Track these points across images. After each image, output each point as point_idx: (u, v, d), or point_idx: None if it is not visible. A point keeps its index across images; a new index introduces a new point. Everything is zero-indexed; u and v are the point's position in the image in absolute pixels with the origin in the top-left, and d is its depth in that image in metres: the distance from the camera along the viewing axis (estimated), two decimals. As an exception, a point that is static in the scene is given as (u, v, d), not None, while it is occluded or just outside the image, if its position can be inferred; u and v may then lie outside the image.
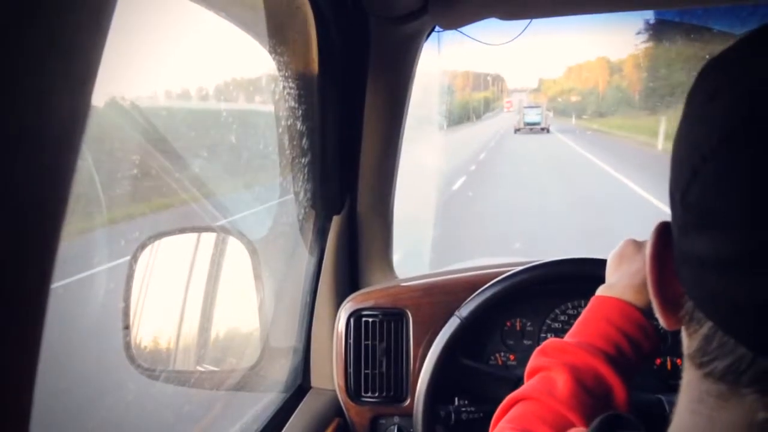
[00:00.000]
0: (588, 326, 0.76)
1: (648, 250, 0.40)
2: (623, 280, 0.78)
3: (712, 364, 0.35)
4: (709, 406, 0.36)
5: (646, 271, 0.40)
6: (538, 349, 0.77)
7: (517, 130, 24.65)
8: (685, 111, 0.37)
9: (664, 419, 0.40)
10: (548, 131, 24.51)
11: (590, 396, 0.69)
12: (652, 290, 0.39)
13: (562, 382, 0.69)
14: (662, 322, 0.39)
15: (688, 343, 0.38)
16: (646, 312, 0.75)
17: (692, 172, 0.34)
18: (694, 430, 0.37)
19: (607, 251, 0.86)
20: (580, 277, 1.02)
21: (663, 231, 0.39)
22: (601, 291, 0.80)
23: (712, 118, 0.34)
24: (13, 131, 0.26)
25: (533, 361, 0.77)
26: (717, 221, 0.32)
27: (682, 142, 0.37)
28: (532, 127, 25.00)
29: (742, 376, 0.33)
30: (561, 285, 1.14)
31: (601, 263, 0.85)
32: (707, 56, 0.37)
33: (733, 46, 0.36)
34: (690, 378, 0.38)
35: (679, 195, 0.35)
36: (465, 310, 1.09)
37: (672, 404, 0.39)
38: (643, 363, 0.76)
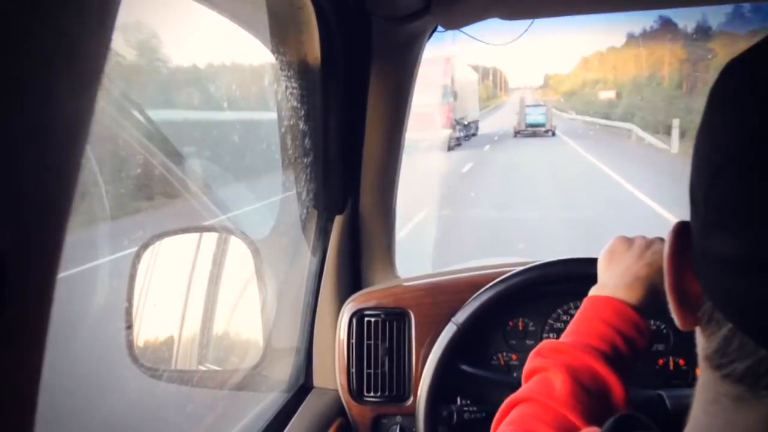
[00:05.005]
0: (582, 326, 0.77)
1: (666, 250, 0.39)
2: (614, 279, 0.78)
3: (731, 365, 0.34)
4: (725, 408, 0.35)
5: (664, 271, 0.39)
6: (534, 350, 0.78)
7: (517, 133, 21.72)
8: (707, 109, 0.37)
9: (666, 415, 0.40)
10: (553, 134, 21.69)
11: (589, 395, 0.69)
12: (670, 290, 0.39)
13: (560, 383, 0.69)
14: (678, 322, 0.39)
15: (705, 344, 0.37)
16: (639, 309, 0.75)
17: (716, 171, 0.34)
18: (710, 431, 0.37)
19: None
20: (579, 276, 1.02)
21: (681, 231, 0.39)
22: (594, 291, 0.81)
23: (736, 117, 0.34)
24: (19, 130, 0.26)
25: (530, 362, 0.77)
26: (741, 220, 0.32)
27: (705, 140, 0.36)
28: (536, 129, 21.90)
29: (762, 378, 0.33)
30: (562, 285, 1.14)
31: (596, 262, 0.85)
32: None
33: (754, 47, 0.35)
34: (706, 379, 0.37)
35: (701, 194, 0.35)
36: (461, 315, 1.09)
37: (673, 400, 0.39)
38: (637, 359, 0.76)
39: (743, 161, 0.32)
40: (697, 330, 0.39)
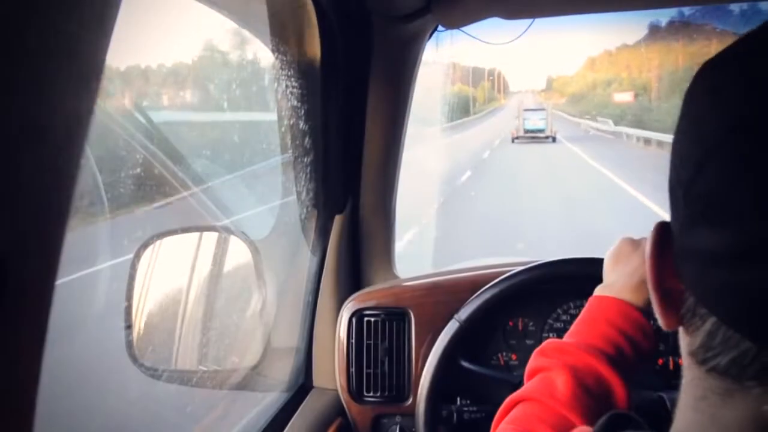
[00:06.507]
0: (587, 326, 0.77)
1: (647, 249, 0.39)
2: (621, 280, 0.78)
3: (716, 359, 0.35)
4: (712, 403, 0.36)
5: (646, 270, 0.40)
6: (537, 349, 0.78)
7: (515, 139, 20.43)
8: (684, 109, 0.38)
9: (667, 417, 0.40)
10: (554, 140, 20.20)
11: (590, 396, 0.69)
12: (652, 289, 0.39)
13: (562, 383, 0.69)
14: (661, 321, 0.39)
15: (689, 340, 0.38)
16: (645, 311, 0.75)
17: (697, 166, 0.34)
18: (698, 427, 0.37)
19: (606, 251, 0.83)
20: (579, 276, 1.02)
21: (662, 229, 0.39)
22: (599, 291, 0.80)
23: (715, 113, 0.34)
24: (18, 130, 0.26)
25: (533, 361, 0.77)
26: (723, 214, 0.33)
27: (683, 139, 0.37)
28: (535, 135, 20.52)
29: (747, 369, 0.33)
30: (563, 285, 1.14)
31: (601, 262, 0.85)
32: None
33: (734, 45, 0.36)
34: (692, 376, 0.38)
35: (682, 191, 0.36)
36: (464, 313, 1.09)
37: (674, 401, 0.39)
38: (642, 362, 0.76)
39: (725, 153, 0.33)
40: (680, 329, 0.39)
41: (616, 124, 20.55)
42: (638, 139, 16.46)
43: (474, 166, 12.23)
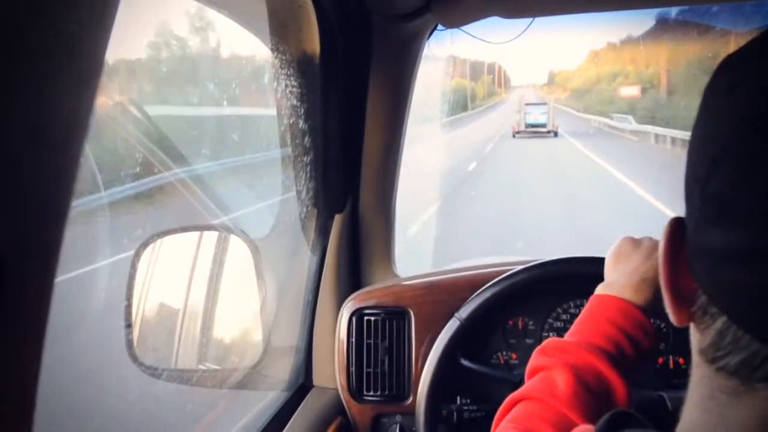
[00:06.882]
0: (588, 325, 0.77)
1: (661, 245, 0.39)
2: (621, 279, 0.78)
3: (726, 359, 0.34)
4: (720, 402, 0.35)
5: (659, 266, 0.39)
6: (538, 348, 0.78)
7: (516, 133, 20.01)
8: (702, 105, 0.37)
9: (667, 416, 0.40)
10: (556, 134, 19.80)
11: (591, 395, 0.69)
12: (665, 286, 0.39)
13: (563, 382, 0.69)
14: (673, 318, 0.39)
15: (699, 338, 0.37)
16: (646, 310, 0.75)
17: (712, 164, 0.34)
18: (705, 427, 0.37)
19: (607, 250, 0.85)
20: (579, 275, 1.02)
21: (676, 226, 0.39)
22: (599, 290, 0.80)
23: (731, 109, 0.34)
24: (18, 129, 0.26)
25: (534, 360, 0.77)
26: (737, 213, 0.32)
27: (700, 136, 0.37)
28: (536, 130, 20.15)
29: (756, 371, 0.33)
30: (562, 284, 1.14)
31: (601, 261, 0.85)
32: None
33: (751, 42, 0.36)
34: (702, 375, 0.38)
35: (697, 188, 0.35)
36: (464, 311, 1.09)
37: (674, 401, 0.39)
38: (642, 361, 0.76)
39: (740, 152, 0.33)
40: (692, 326, 0.39)
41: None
42: (674, 140, 13.25)
43: (460, 181, 10.95)
